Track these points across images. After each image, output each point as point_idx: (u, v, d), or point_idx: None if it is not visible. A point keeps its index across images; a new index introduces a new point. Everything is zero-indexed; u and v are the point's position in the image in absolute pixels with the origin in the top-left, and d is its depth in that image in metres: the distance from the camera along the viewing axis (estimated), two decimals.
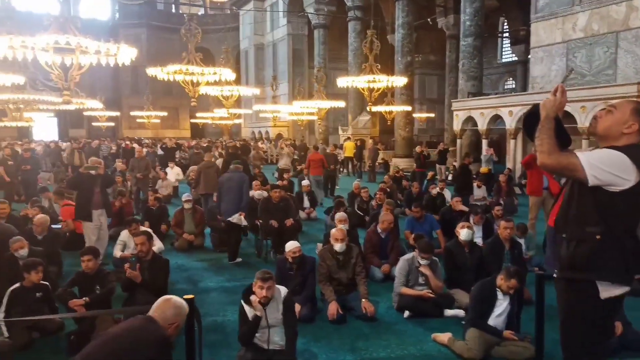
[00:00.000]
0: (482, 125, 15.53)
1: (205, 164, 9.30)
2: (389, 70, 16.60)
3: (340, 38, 25.94)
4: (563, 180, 2.62)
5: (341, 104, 19.55)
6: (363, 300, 4.75)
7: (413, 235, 6.50)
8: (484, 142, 15.71)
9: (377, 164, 18.54)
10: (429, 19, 24.13)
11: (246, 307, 3.53)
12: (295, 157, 18.35)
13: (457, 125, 16.84)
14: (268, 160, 23.43)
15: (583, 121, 11.57)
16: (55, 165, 15.56)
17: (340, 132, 25.04)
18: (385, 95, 17.59)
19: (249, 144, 21.46)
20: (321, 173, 12.34)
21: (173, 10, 40.95)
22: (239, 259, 6.93)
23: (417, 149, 16.17)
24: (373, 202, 8.93)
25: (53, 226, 6.53)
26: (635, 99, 7.08)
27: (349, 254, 5.05)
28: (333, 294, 4.80)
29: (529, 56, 15.32)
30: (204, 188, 8.97)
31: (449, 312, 4.79)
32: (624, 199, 2.12)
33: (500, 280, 4.00)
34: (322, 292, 4.91)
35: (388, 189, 9.70)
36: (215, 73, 11.04)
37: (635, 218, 2.21)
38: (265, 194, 8.16)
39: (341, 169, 18.56)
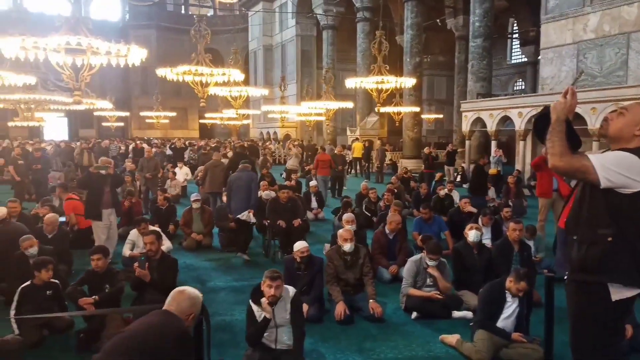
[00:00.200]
0: (491, 126, 15.44)
1: (213, 162, 9.36)
2: (397, 71, 16.58)
3: (349, 39, 25.92)
4: (573, 182, 2.60)
5: (349, 104, 19.56)
6: (371, 301, 4.74)
7: (421, 237, 6.48)
8: (493, 144, 15.63)
9: (385, 164, 18.49)
10: (438, 20, 24.02)
11: (254, 307, 3.54)
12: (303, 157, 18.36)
13: (465, 127, 16.74)
14: (276, 160, 23.47)
15: (593, 123, 11.46)
16: (66, 165, 15.69)
17: (348, 132, 25.00)
18: (394, 96, 17.59)
19: (257, 145, 21.51)
20: (329, 174, 12.34)
21: (182, 12, 41.32)
22: (245, 256, 6.96)
23: (426, 150, 16.16)
24: (381, 203, 8.92)
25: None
26: None
27: (357, 254, 5.04)
28: (340, 294, 4.79)
29: (539, 57, 15.20)
30: (210, 186, 9.06)
31: (457, 314, 4.76)
32: (636, 201, 2.11)
33: (509, 282, 3.98)
34: (330, 293, 4.90)
35: (396, 190, 9.68)
36: (224, 74, 11.11)
37: None
38: (273, 194, 8.20)
39: (349, 170, 18.54)
